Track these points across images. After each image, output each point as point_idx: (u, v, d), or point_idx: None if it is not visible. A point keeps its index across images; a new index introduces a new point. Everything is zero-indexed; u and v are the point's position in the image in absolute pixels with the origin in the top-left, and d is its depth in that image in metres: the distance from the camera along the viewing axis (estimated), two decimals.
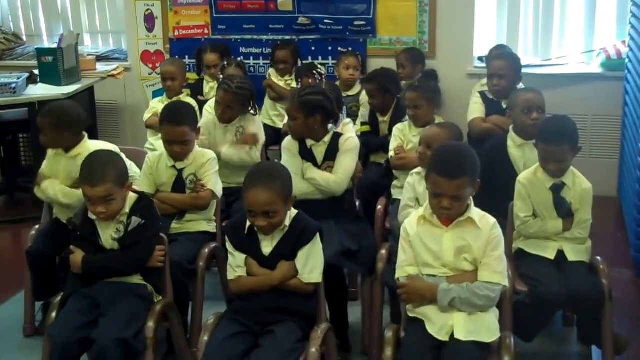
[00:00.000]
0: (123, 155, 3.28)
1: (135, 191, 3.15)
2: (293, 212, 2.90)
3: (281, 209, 2.79)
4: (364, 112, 4.82)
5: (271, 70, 5.67)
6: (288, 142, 3.70)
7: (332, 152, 3.65)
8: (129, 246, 3.01)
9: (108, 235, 3.03)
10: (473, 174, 2.74)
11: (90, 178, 2.96)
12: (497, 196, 3.33)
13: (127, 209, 3.04)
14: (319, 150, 3.65)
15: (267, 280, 2.82)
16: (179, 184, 3.62)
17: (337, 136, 3.68)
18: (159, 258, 3.11)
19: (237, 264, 2.86)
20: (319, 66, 5.38)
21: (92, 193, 2.95)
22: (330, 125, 3.66)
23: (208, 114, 4.57)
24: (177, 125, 3.57)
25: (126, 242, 3.02)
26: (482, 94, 4.63)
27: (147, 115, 5.13)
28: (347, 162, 3.65)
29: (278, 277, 2.82)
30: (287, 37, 5.87)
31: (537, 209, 3.30)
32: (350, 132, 3.96)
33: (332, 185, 3.59)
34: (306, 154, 3.64)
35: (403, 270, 2.80)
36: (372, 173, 4.32)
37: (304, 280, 2.82)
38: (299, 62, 5.69)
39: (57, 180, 3.71)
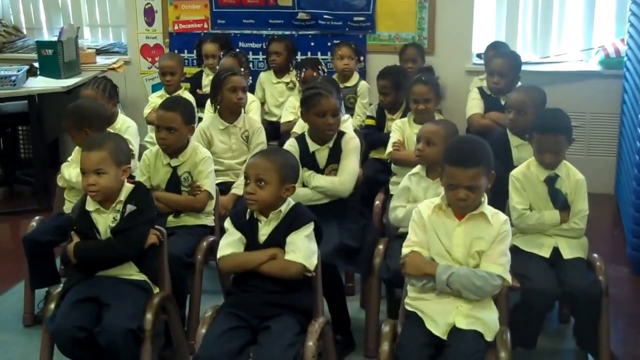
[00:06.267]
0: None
1: (132, 181, 3.16)
2: (291, 202, 2.91)
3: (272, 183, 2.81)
4: (371, 108, 4.81)
5: (263, 74, 5.59)
6: (288, 147, 3.64)
7: (336, 154, 3.65)
8: (120, 232, 2.99)
9: (106, 226, 3.02)
10: (487, 164, 2.75)
11: (89, 144, 3.06)
12: (501, 193, 3.35)
13: (122, 197, 3.03)
14: (322, 155, 3.65)
15: (256, 255, 2.81)
16: (173, 182, 3.62)
17: (339, 137, 3.67)
18: (153, 237, 3.07)
19: (231, 239, 2.85)
20: (323, 63, 5.33)
21: (86, 160, 2.98)
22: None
23: (207, 113, 4.53)
24: (168, 110, 3.60)
25: (118, 228, 3.00)
26: (480, 89, 4.64)
27: (147, 111, 5.13)
28: (352, 163, 3.66)
29: (267, 253, 2.79)
30: (287, 33, 5.87)
31: (533, 203, 3.30)
32: (349, 129, 3.95)
33: (338, 187, 3.59)
34: (308, 160, 3.63)
35: (410, 249, 2.79)
36: (370, 168, 4.30)
37: (287, 257, 2.78)
38: (294, 59, 5.60)
39: None
